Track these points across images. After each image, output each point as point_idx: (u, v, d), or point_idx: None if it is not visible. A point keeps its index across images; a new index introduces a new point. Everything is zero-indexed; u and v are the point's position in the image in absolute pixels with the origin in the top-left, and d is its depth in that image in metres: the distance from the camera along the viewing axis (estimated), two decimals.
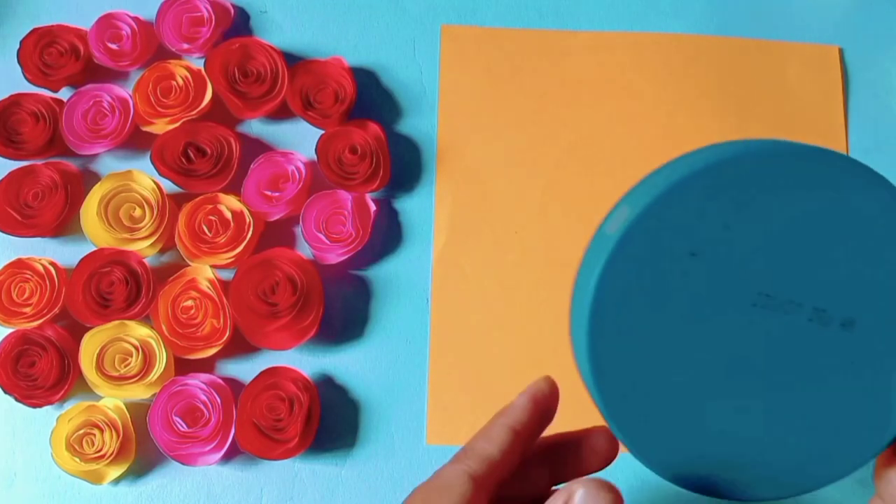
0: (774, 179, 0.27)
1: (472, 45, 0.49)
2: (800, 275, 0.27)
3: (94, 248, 0.44)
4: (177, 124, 0.46)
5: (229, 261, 0.44)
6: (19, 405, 0.43)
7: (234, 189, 0.45)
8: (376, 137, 0.46)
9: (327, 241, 0.44)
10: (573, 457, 0.31)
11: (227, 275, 0.45)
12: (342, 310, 0.46)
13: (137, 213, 0.45)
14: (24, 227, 0.45)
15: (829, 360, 0.27)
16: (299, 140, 0.48)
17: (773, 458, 0.28)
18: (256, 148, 0.48)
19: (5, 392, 0.43)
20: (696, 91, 0.49)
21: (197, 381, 0.42)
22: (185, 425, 0.42)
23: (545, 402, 0.30)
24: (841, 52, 0.50)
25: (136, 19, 0.48)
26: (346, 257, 0.45)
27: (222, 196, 0.45)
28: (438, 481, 0.28)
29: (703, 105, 0.48)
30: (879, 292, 0.27)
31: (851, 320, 0.27)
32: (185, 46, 0.47)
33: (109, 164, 0.48)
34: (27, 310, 0.44)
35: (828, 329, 0.27)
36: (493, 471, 0.28)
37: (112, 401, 0.43)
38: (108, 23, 0.47)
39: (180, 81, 0.46)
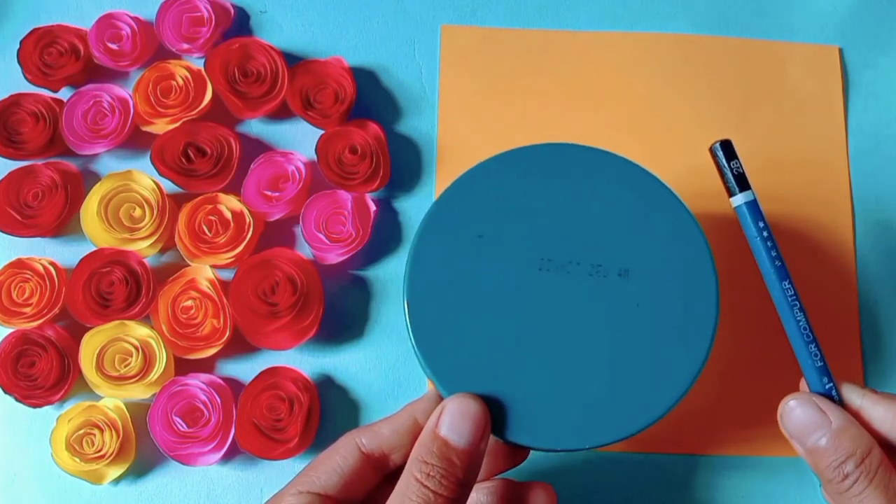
0: (532, 170, 0.36)
1: (472, 45, 0.49)
2: (573, 239, 0.34)
3: (94, 248, 0.44)
4: (177, 124, 0.46)
5: (229, 261, 0.44)
6: (19, 405, 0.43)
7: (234, 189, 0.45)
8: (376, 137, 0.46)
9: (327, 241, 0.44)
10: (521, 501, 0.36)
11: (227, 275, 0.45)
12: (342, 310, 0.46)
13: (137, 213, 0.45)
14: (24, 227, 0.45)
15: (617, 304, 0.34)
16: (299, 140, 0.48)
17: (583, 404, 0.33)
18: (256, 148, 0.48)
19: (5, 392, 0.43)
20: (696, 91, 0.49)
21: (197, 381, 0.42)
22: (185, 425, 0.42)
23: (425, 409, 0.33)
24: (841, 52, 0.50)
25: (136, 19, 0.48)
26: (346, 257, 0.45)
27: (222, 196, 0.45)
28: (332, 446, 0.33)
29: (703, 105, 0.48)
30: (643, 245, 0.34)
31: (626, 269, 0.34)
32: (185, 46, 0.47)
33: (109, 164, 0.48)
34: (27, 310, 0.43)
35: (608, 279, 0.34)
36: (381, 446, 0.32)
37: (112, 401, 0.43)
38: (108, 23, 0.47)
39: (180, 81, 0.46)
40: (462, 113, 0.48)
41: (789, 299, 0.33)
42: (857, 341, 0.46)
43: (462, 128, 0.48)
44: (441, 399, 0.32)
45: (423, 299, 0.34)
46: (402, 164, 0.47)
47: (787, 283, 0.33)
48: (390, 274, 0.46)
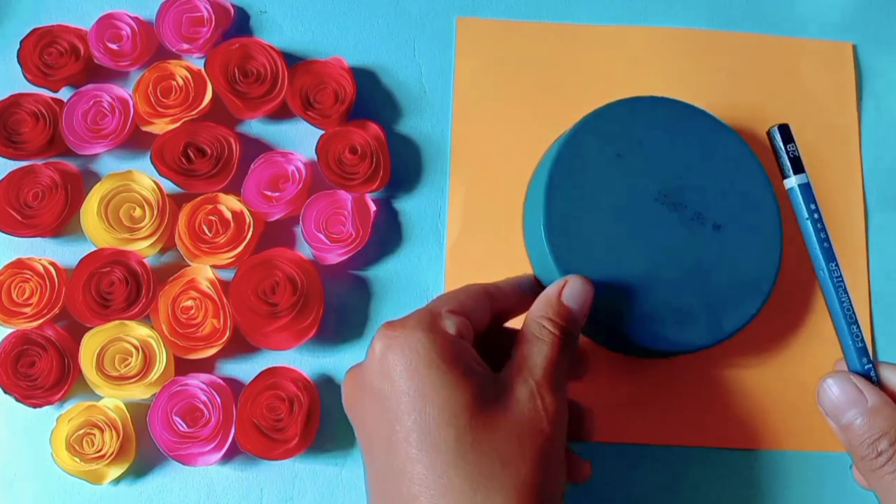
0: (669, 115, 0.43)
1: (487, 37, 0.49)
2: (686, 186, 0.41)
3: (95, 248, 0.44)
4: (177, 124, 0.46)
5: (229, 261, 0.44)
6: (19, 405, 0.43)
7: (235, 189, 0.45)
8: (376, 137, 0.46)
9: (327, 242, 0.44)
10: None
11: (228, 275, 0.45)
12: (342, 310, 0.46)
13: (137, 213, 0.45)
14: (24, 226, 0.45)
15: (706, 249, 0.41)
16: (299, 140, 0.48)
17: (664, 316, 0.40)
18: (256, 148, 0.48)
19: (5, 392, 0.43)
20: (710, 86, 0.49)
21: (197, 381, 0.42)
22: (185, 425, 0.42)
23: (522, 285, 0.39)
24: (855, 48, 0.50)
25: (136, 19, 0.48)
26: (346, 257, 0.45)
27: (222, 196, 0.45)
28: (462, 288, 0.37)
29: (716, 100, 0.48)
30: (737, 207, 0.41)
31: (719, 225, 0.41)
32: (185, 47, 0.47)
33: (109, 164, 0.48)
34: (27, 310, 0.43)
35: (704, 227, 0.41)
36: (503, 300, 0.37)
37: (112, 401, 0.43)
38: (108, 23, 0.47)
39: (180, 81, 0.46)
40: (477, 106, 0.48)
41: (835, 280, 0.34)
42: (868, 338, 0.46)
43: (478, 120, 0.48)
44: (537, 282, 0.40)
45: (560, 194, 0.40)
46: (402, 165, 0.47)
47: (833, 265, 0.34)
48: (390, 274, 0.46)
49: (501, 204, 0.47)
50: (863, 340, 0.35)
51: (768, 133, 0.36)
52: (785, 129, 0.35)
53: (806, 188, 0.35)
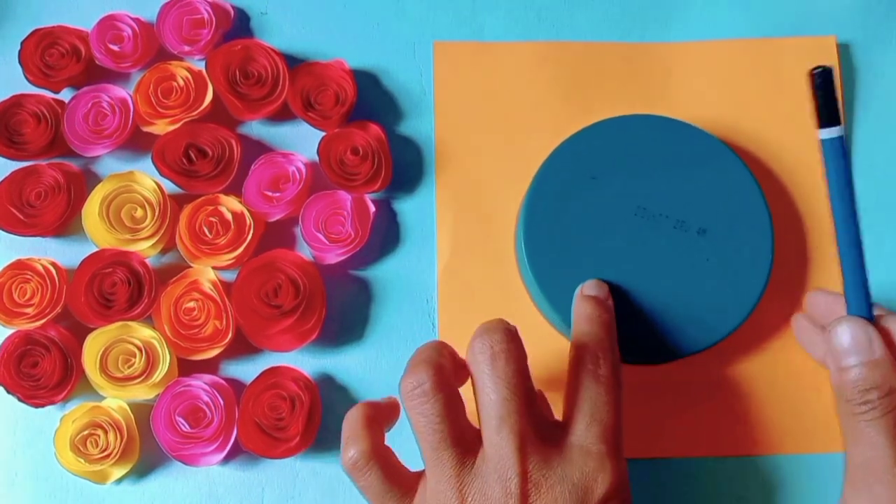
0: (645, 130, 0.44)
1: (465, 59, 0.49)
2: (664, 196, 0.42)
3: (96, 249, 0.44)
4: (177, 125, 0.46)
5: (230, 262, 0.44)
6: (22, 405, 0.43)
7: (235, 190, 0.46)
8: (377, 138, 0.46)
9: (326, 242, 0.45)
10: None
11: (230, 276, 0.45)
12: (343, 311, 0.46)
13: (139, 213, 0.45)
14: (25, 225, 0.45)
15: (692, 256, 0.42)
16: (300, 141, 0.48)
17: (651, 327, 0.41)
18: (257, 149, 0.48)
19: (8, 392, 0.43)
20: (690, 97, 0.48)
21: (200, 382, 0.43)
22: (187, 426, 0.42)
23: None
24: (839, 42, 0.49)
25: (137, 20, 0.48)
26: (344, 257, 0.45)
27: (223, 197, 0.45)
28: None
29: (698, 111, 0.48)
30: (721, 211, 0.42)
31: (704, 229, 0.42)
32: (186, 49, 0.47)
33: (111, 165, 0.48)
34: (29, 310, 0.44)
35: (688, 234, 0.42)
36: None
37: (116, 401, 0.44)
38: (109, 24, 0.47)
39: (181, 82, 0.46)
40: (458, 127, 0.48)
41: (850, 222, 0.35)
42: None
43: (459, 142, 0.48)
44: None
45: (538, 226, 0.42)
46: (402, 165, 0.48)
47: (853, 216, 0.35)
48: (390, 274, 0.46)
49: (491, 227, 0.47)
50: (868, 289, 0.36)
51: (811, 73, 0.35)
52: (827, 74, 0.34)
53: (840, 141, 0.35)
